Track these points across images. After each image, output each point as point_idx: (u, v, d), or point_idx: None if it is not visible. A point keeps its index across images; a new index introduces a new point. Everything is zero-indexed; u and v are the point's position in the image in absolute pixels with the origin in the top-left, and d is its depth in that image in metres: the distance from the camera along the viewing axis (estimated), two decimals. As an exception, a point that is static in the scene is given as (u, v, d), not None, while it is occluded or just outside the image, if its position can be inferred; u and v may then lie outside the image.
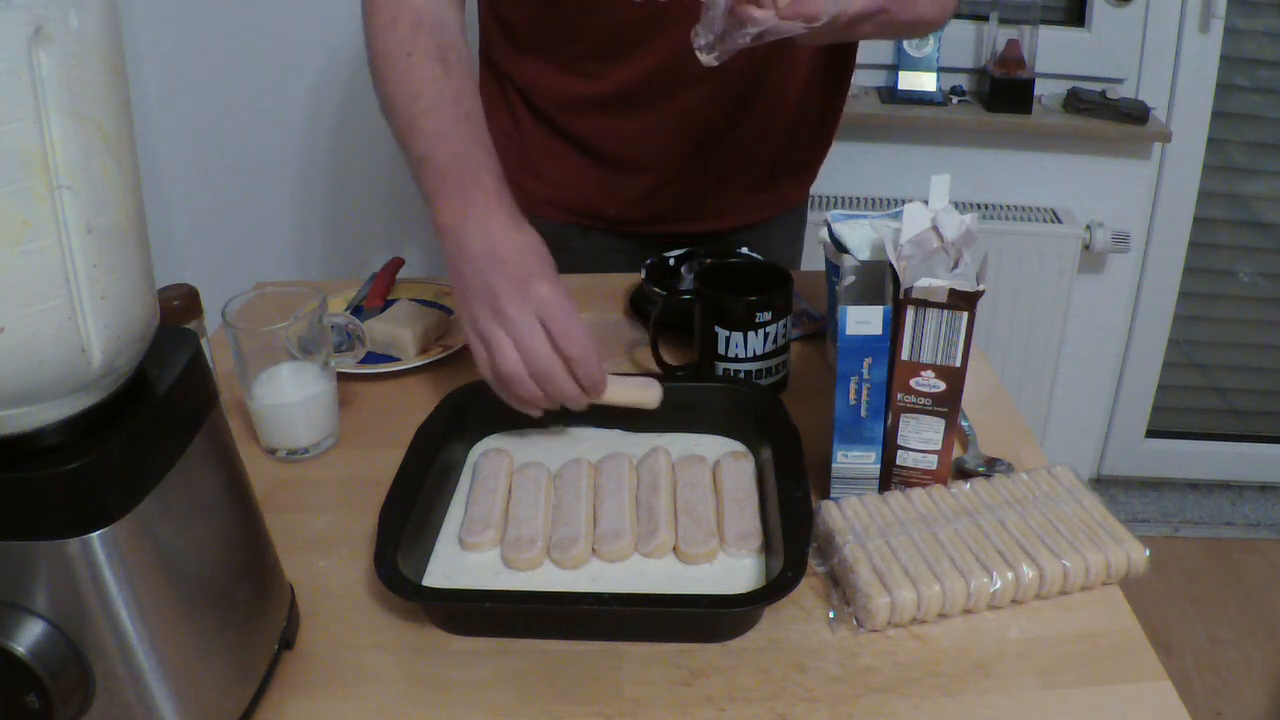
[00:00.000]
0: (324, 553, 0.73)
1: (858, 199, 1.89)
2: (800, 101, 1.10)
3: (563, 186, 1.15)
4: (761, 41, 0.69)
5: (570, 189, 1.15)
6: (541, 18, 1.05)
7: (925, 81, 1.83)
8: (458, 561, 0.72)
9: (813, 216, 1.31)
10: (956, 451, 0.83)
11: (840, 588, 0.68)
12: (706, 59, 0.71)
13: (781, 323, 0.88)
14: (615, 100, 1.06)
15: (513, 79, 1.11)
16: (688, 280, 1.04)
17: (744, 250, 1.07)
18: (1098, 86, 1.82)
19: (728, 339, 0.87)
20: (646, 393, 0.82)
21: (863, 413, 0.73)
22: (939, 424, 0.73)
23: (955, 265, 0.73)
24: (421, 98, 0.83)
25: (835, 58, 1.11)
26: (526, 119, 1.13)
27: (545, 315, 0.74)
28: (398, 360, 0.97)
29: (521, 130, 1.13)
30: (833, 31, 0.72)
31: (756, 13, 0.67)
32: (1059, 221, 1.85)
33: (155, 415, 0.51)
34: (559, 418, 0.84)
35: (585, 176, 1.13)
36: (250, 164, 1.91)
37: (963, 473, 0.81)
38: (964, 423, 0.85)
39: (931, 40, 1.81)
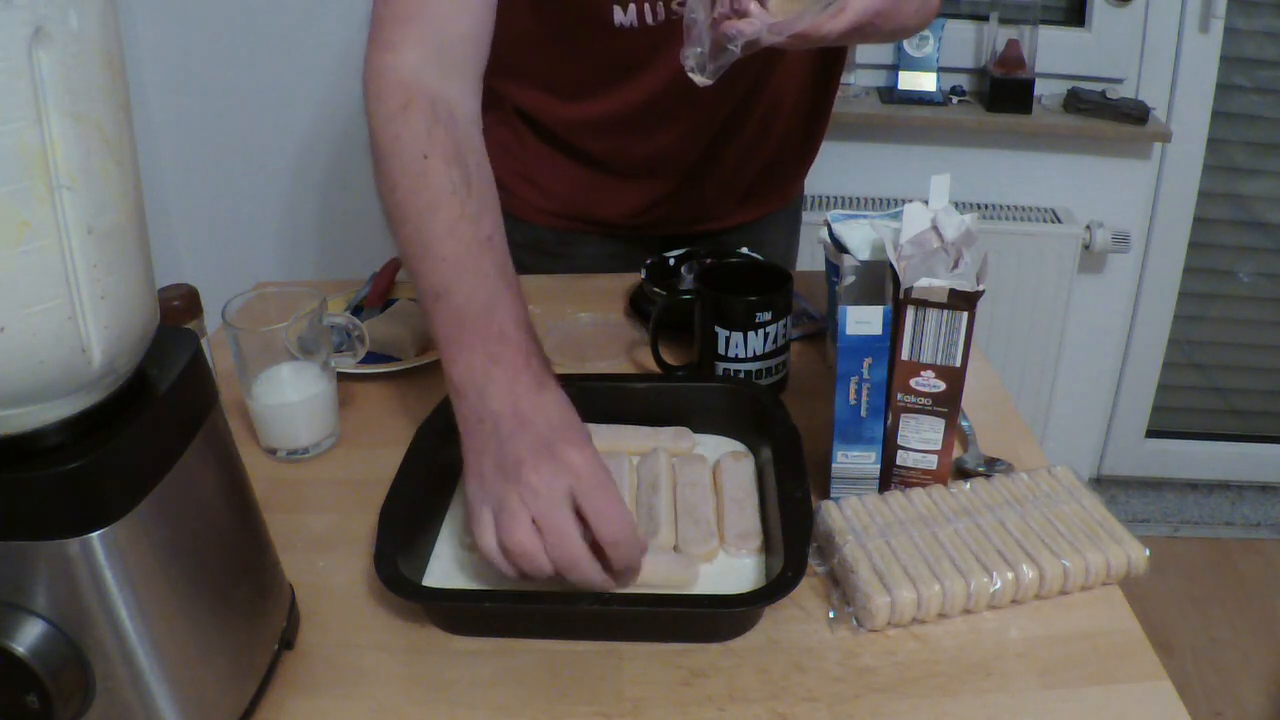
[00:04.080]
0: (324, 553, 0.73)
1: (858, 199, 1.90)
2: (795, 101, 1.10)
3: (562, 197, 1.15)
4: (751, 51, 0.69)
5: (569, 199, 1.15)
6: (538, 52, 1.04)
7: (925, 81, 1.83)
8: (458, 561, 0.72)
9: (813, 216, 1.32)
10: (956, 451, 0.83)
11: (840, 588, 0.68)
12: (700, 79, 0.71)
13: (781, 323, 0.88)
14: (616, 122, 1.06)
15: (513, 100, 1.10)
16: (688, 280, 1.04)
17: (744, 250, 1.07)
18: (1098, 86, 1.82)
19: (728, 339, 0.87)
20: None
21: (863, 413, 0.73)
22: (939, 424, 0.73)
23: (955, 265, 0.73)
24: (438, 214, 0.71)
25: (828, 54, 1.11)
26: (526, 132, 1.12)
27: (578, 489, 0.62)
28: (398, 360, 0.97)
29: (521, 141, 1.13)
30: (820, 42, 0.71)
31: (738, 26, 0.67)
32: (1059, 221, 1.85)
33: (155, 415, 0.51)
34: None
35: (585, 187, 1.13)
36: (250, 164, 1.91)
37: (963, 473, 0.81)
38: (964, 423, 0.85)
39: (931, 40, 1.81)
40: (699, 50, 0.69)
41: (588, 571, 0.61)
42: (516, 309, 0.70)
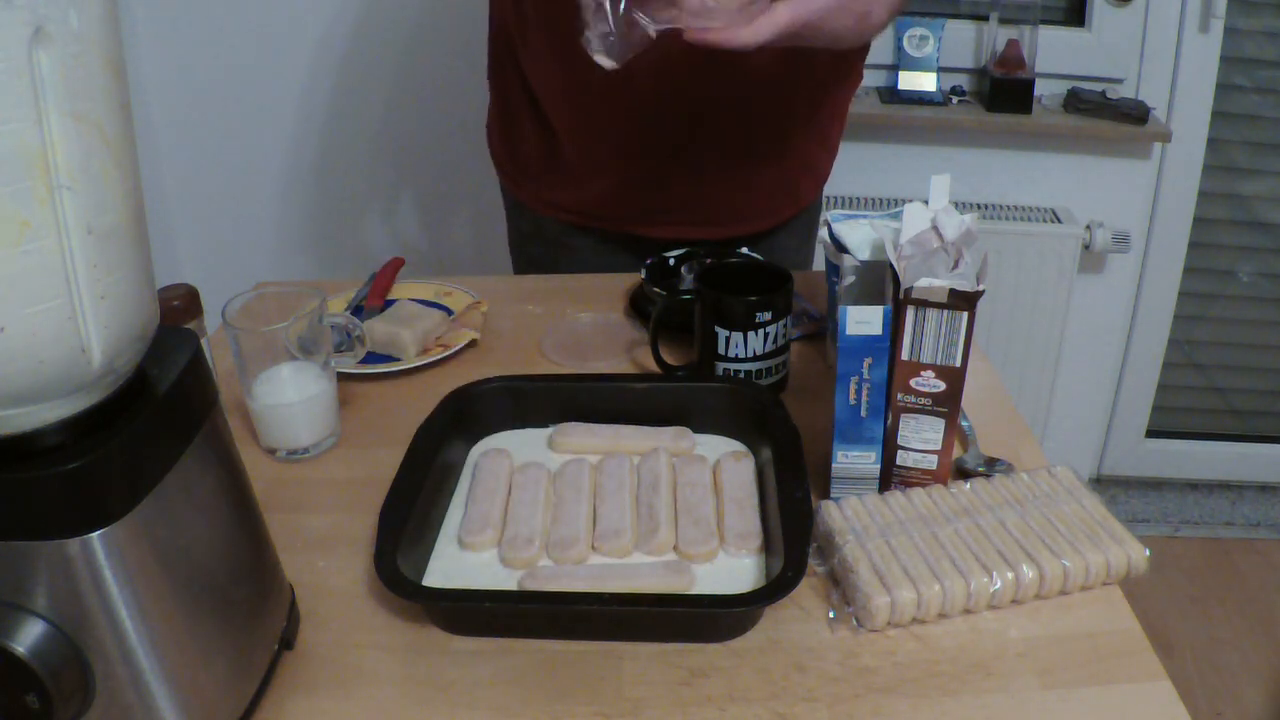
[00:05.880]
0: (324, 553, 0.73)
1: (858, 199, 1.90)
2: (804, 92, 1.09)
3: (554, 186, 1.16)
4: (668, 38, 0.67)
5: (562, 189, 1.15)
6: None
7: (925, 81, 1.83)
8: (458, 561, 0.72)
9: (814, 216, 1.31)
10: (956, 451, 0.83)
11: (840, 588, 0.68)
12: (605, 62, 0.69)
13: (781, 323, 0.88)
14: (611, 87, 1.05)
15: (520, 68, 1.10)
16: (688, 280, 1.04)
17: (744, 250, 1.07)
18: (1098, 86, 1.82)
19: (728, 339, 0.87)
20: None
21: (863, 413, 0.73)
22: (939, 424, 0.73)
23: (955, 265, 0.73)
24: None
25: (834, 59, 1.11)
26: (531, 119, 1.13)
27: None
28: (398, 360, 0.97)
29: (527, 131, 1.13)
30: (740, 49, 0.70)
31: (645, 19, 0.66)
32: (1059, 221, 1.85)
33: (155, 415, 0.51)
34: (561, 417, 0.85)
35: (590, 180, 1.13)
36: (250, 164, 1.91)
37: (963, 473, 0.81)
38: (964, 423, 0.85)
39: (932, 40, 1.81)
40: (605, 32, 0.67)
41: None
42: None
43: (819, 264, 1.34)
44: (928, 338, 0.70)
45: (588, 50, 0.68)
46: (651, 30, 0.67)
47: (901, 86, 1.83)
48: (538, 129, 1.14)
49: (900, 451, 0.75)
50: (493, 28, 1.15)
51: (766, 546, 0.72)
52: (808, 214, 1.25)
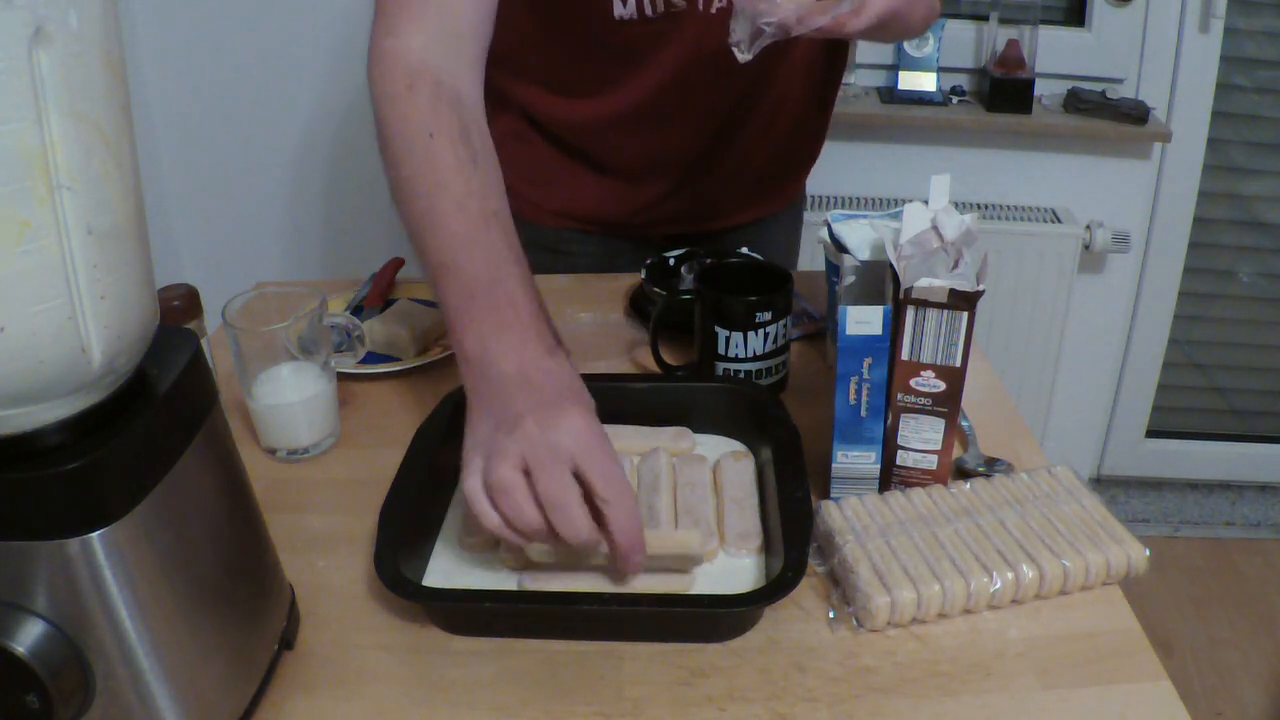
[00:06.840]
0: (324, 553, 0.73)
1: (858, 199, 1.90)
2: (797, 100, 1.11)
3: (564, 197, 1.16)
4: (784, 36, 0.70)
5: (572, 199, 1.15)
6: (540, 51, 1.04)
7: (925, 81, 1.83)
8: (458, 561, 0.72)
9: (813, 216, 1.32)
10: (956, 451, 0.83)
11: (840, 588, 0.68)
12: (742, 56, 0.73)
13: (781, 323, 0.88)
14: (619, 119, 1.06)
15: (518, 99, 1.11)
16: (688, 280, 1.04)
17: (744, 250, 1.07)
18: (1098, 86, 1.82)
19: (728, 339, 0.87)
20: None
21: (863, 413, 0.73)
22: (939, 424, 0.73)
23: (955, 265, 0.73)
24: (446, 190, 0.71)
25: (831, 55, 1.12)
26: (531, 134, 1.12)
27: (578, 449, 0.62)
28: (398, 360, 0.97)
29: (526, 142, 1.13)
30: (843, 37, 0.74)
31: (764, 8, 0.70)
32: (1059, 221, 1.85)
33: (155, 415, 0.51)
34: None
35: (589, 188, 1.14)
36: (250, 164, 1.91)
37: (963, 473, 0.81)
38: (964, 423, 0.85)
39: (931, 40, 1.81)
40: (743, 26, 0.72)
41: (575, 514, 0.60)
42: (524, 278, 0.70)
43: (813, 259, 1.35)
44: (928, 338, 0.70)
45: (730, 41, 0.73)
46: (772, 31, 0.71)
47: (901, 86, 1.83)
48: (530, 137, 1.13)
49: (900, 451, 0.75)
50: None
51: (766, 546, 0.72)
52: (794, 208, 1.27)
